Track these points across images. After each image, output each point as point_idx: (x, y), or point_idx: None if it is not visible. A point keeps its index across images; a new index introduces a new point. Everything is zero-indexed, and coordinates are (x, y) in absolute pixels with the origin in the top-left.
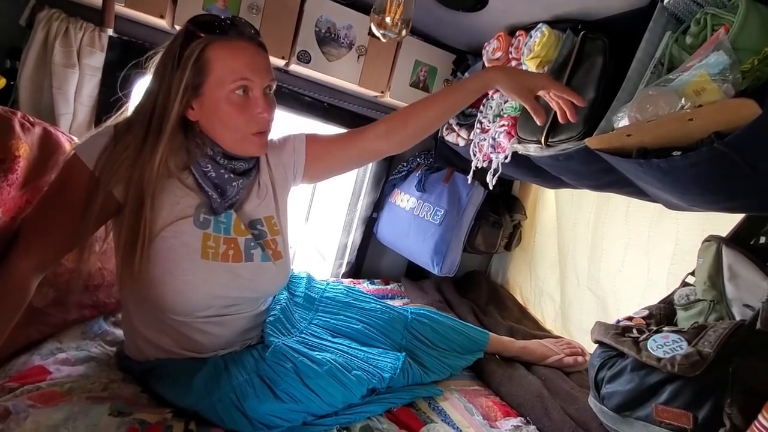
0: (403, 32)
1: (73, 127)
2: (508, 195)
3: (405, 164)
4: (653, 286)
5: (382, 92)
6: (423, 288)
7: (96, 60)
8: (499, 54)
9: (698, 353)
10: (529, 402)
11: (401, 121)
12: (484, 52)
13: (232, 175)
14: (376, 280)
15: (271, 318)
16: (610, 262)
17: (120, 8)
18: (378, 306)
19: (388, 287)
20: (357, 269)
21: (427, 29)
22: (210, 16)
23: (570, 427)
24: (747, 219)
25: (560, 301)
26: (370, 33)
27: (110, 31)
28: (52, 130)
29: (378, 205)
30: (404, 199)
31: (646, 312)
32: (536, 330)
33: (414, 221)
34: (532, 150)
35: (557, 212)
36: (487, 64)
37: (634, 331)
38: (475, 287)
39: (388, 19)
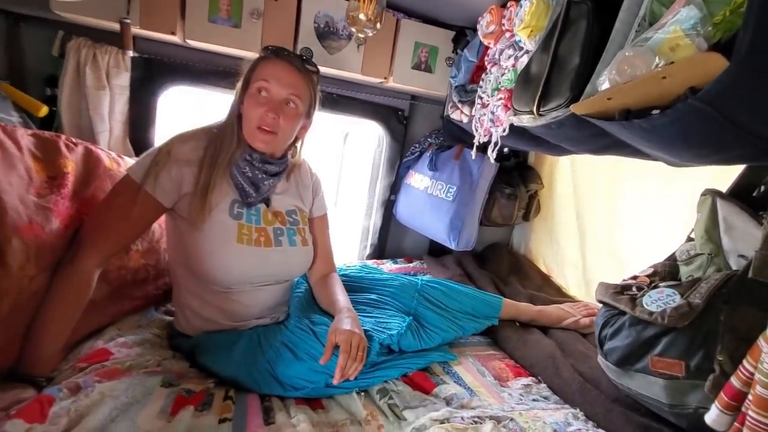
0: (378, 25)
1: (111, 142)
2: (523, 166)
3: (417, 145)
4: (672, 247)
5: (385, 78)
6: (444, 263)
7: (123, 79)
8: (492, 27)
9: (688, 305)
10: (541, 362)
11: (317, 283)
12: (478, 27)
13: (264, 176)
14: (399, 260)
15: (296, 295)
16: (628, 225)
17: (136, 30)
18: (389, 276)
19: (411, 265)
20: (380, 250)
21: (424, 9)
22: (270, 45)
23: (578, 384)
24: (748, 170)
25: (582, 267)
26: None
27: (131, 53)
28: (93, 148)
29: (395, 188)
30: (418, 179)
31: (651, 270)
32: (558, 297)
33: (429, 200)
34: (525, 121)
35: (573, 179)
36: (481, 39)
37: (634, 288)
38: (496, 259)
39: (362, 16)
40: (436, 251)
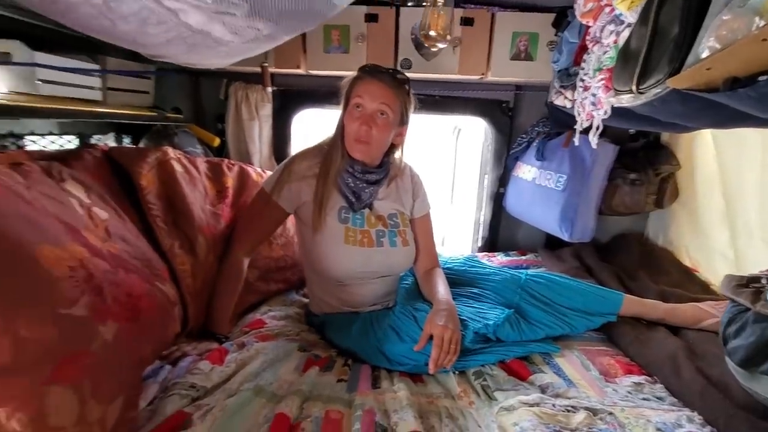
0: (449, 36)
1: (261, 161)
2: (652, 145)
3: (524, 135)
4: None
5: (483, 74)
6: (560, 256)
7: (267, 110)
8: (590, 5)
9: None
10: (659, 361)
11: (422, 278)
12: (575, 6)
13: (365, 184)
14: (511, 252)
15: (403, 286)
16: None
17: (272, 69)
18: (492, 270)
19: (524, 258)
20: (491, 243)
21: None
22: (368, 64)
23: (700, 386)
24: None
25: (733, 257)
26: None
27: (270, 89)
28: (244, 167)
29: (503, 180)
30: (526, 170)
31: None
32: (700, 293)
33: (537, 191)
34: (625, 101)
35: (717, 156)
36: (579, 18)
37: (763, 280)
38: (624, 251)
39: (432, 33)
40: (552, 243)
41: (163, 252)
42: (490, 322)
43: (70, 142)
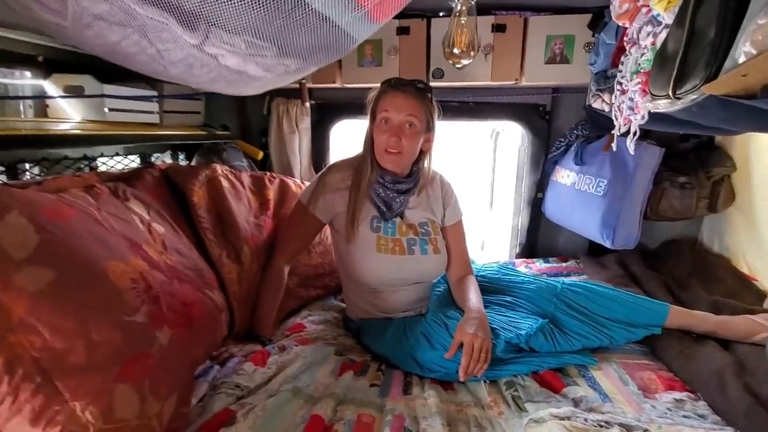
0: (472, 53)
1: (301, 171)
2: (704, 146)
3: (562, 139)
4: None
5: (517, 79)
6: (603, 263)
7: (305, 123)
8: (626, 6)
9: None
10: (703, 377)
11: (453, 285)
12: (611, 7)
13: (396, 194)
14: (551, 259)
15: (436, 293)
16: None
17: (310, 85)
18: (527, 279)
19: (564, 265)
20: (530, 249)
21: (552, 1)
22: (390, 78)
23: (746, 404)
24: None
25: None
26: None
27: (308, 103)
28: (285, 179)
29: (541, 185)
30: (564, 175)
31: None
32: (757, 304)
33: (576, 196)
34: (662, 106)
35: None
36: (615, 20)
37: None
38: (674, 258)
39: (456, 50)
40: (595, 250)
41: (212, 262)
42: (523, 332)
43: (133, 161)
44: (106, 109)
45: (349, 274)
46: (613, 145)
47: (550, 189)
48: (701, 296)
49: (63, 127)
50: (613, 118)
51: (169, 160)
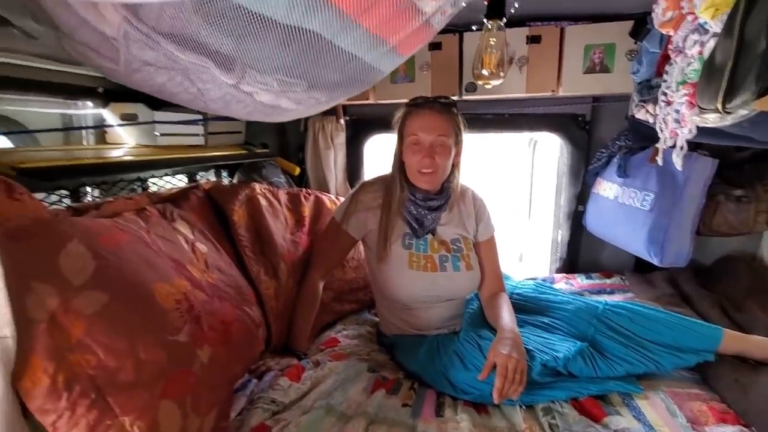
0: (502, 73)
1: (337, 186)
2: (762, 156)
3: (604, 150)
4: None
5: (554, 90)
6: (651, 281)
7: (340, 139)
8: (670, 14)
9: None
10: (758, 407)
11: (486, 302)
12: (653, 15)
13: (427, 211)
14: (593, 274)
15: (469, 311)
16: None
17: (344, 102)
18: (565, 298)
19: (608, 281)
20: (571, 264)
21: (591, 9)
22: (414, 98)
23: None
24: None
25: None
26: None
27: (342, 120)
28: (320, 195)
29: (582, 197)
30: (606, 187)
31: None
32: None
33: (620, 210)
34: (711, 120)
35: None
36: (658, 27)
37: None
38: (731, 276)
39: (485, 72)
40: (643, 266)
41: (251, 278)
42: (560, 355)
43: (180, 180)
44: (156, 134)
45: (381, 290)
46: (659, 159)
47: (592, 202)
48: (759, 319)
49: (119, 153)
50: (658, 130)
51: (213, 178)
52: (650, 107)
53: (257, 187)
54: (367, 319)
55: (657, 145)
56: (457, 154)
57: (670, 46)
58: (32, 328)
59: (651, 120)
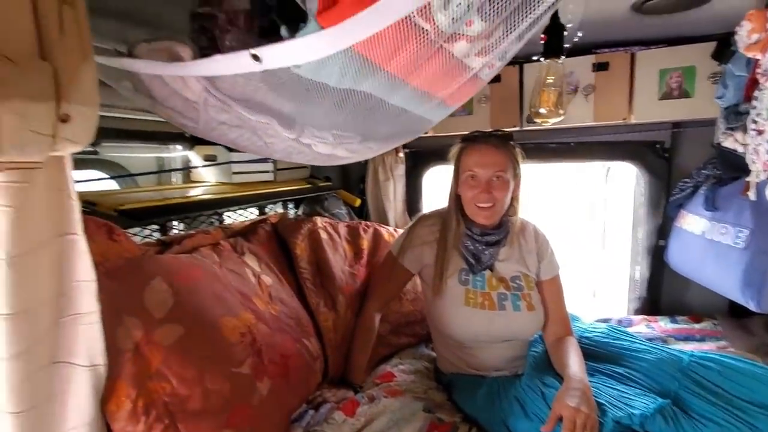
0: (561, 111)
1: (396, 216)
2: None
3: (688, 180)
4: None
5: (625, 118)
6: (749, 327)
7: (400, 170)
8: (756, 36)
9: None
10: None
11: (551, 347)
12: (737, 38)
13: (485, 246)
14: (679, 318)
15: (533, 353)
16: None
17: None
18: (644, 346)
19: (697, 326)
20: (652, 305)
21: (665, 32)
22: (470, 133)
23: None
24: None
25: None
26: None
27: (401, 153)
28: (378, 227)
29: (664, 231)
30: (692, 221)
31: None
32: None
33: (709, 247)
34: None
35: None
36: (742, 50)
37: None
38: None
39: (542, 110)
40: (738, 309)
41: (311, 310)
42: (636, 412)
43: (252, 213)
44: (233, 173)
45: (436, 326)
46: (751, 194)
47: (675, 236)
48: None
49: (201, 190)
50: (749, 162)
51: (280, 209)
52: (739, 135)
53: (319, 220)
54: (425, 354)
55: (748, 179)
56: (516, 187)
57: (758, 70)
58: (120, 356)
59: (740, 149)
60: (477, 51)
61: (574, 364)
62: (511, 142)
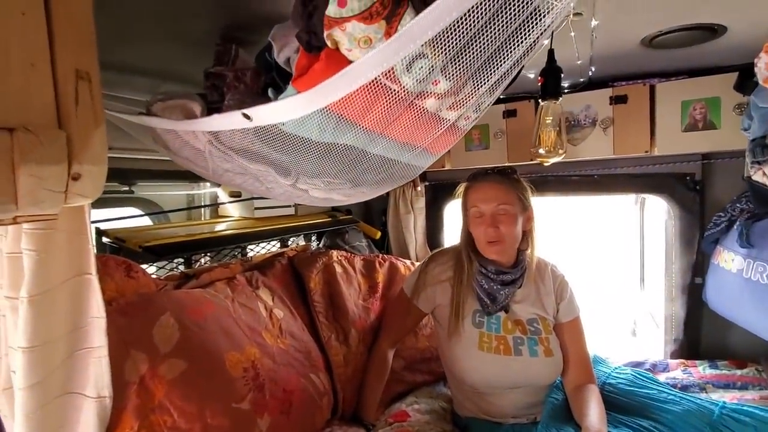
0: (561, 150)
1: (416, 249)
2: None
3: (722, 214)
4: None
5: (647, 150)
6: None
7: (420, 203)
8: None
9: None
10: None
11: (571, 394)
12: (756, 69)
13: (500, 286)
14: (720, 363)
15: (551, 400)
16: None
17: None
18: (670, 396)
19: (739, 372)
20: (689, 348)
21: (685, 63)
22: (472, 173)
23: None
24: None
25: None
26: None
27: (420, 186)
28: (394, 261)
29: (699, 268)
30: (728, 258)
31: None
32: None
33: (746, 286)
34: None
35: None
36: (762, 83)
37: None
38: None
39: (542, 150)
40: None
41: (322, 344)
42: None
43: (274, 245)
44: (254, 208)
45: (450, 370)
46: None
47: (712, 274)
48: None
49: (226, 225)
50: None
51: (302, 241)
52: (767, 169)
53: (335, 254)
54: (442, 393)
55: None
56: (528, 221)
57: None
58: (126, 389)
59: None
60: (448, 106)
61: (594, 414)
62: (515, 176)
